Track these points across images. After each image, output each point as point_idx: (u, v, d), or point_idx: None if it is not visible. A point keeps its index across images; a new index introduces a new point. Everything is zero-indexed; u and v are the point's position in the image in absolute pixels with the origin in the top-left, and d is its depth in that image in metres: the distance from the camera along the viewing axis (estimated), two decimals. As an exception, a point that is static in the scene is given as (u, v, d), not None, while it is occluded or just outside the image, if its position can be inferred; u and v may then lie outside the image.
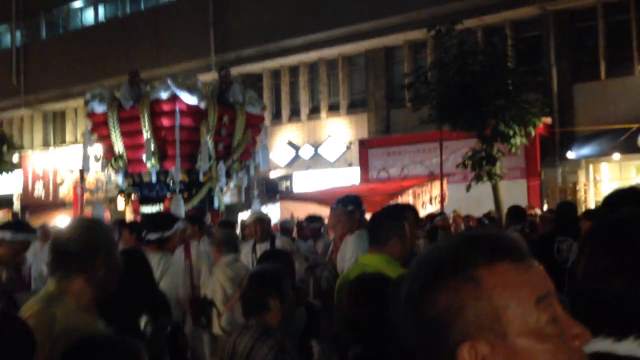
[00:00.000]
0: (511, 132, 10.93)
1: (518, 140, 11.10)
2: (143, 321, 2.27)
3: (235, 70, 16.02)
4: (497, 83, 10.96)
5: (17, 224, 4.16)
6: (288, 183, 20.47)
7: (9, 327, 1.57)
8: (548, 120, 14.93)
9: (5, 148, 20.29)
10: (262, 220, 6.36)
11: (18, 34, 26.96)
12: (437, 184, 13.18)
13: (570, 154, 15.24)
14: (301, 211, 13.66)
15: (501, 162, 11.64)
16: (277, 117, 20.68)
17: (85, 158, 10.75)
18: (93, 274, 2.07)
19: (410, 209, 4.49)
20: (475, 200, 12.88)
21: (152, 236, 4.29)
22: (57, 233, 2.19)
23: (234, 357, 2.62)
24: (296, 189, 19.23)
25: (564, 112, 15.87)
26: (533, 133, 11.47)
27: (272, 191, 19.78)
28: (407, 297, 0.88)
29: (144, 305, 2.58)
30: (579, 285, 1.39)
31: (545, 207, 14.82)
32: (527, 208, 10.09)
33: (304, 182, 19.36)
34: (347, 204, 4.37)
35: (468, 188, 11.72)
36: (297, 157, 20.12)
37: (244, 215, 12.91)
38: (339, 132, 19.57)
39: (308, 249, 7.79)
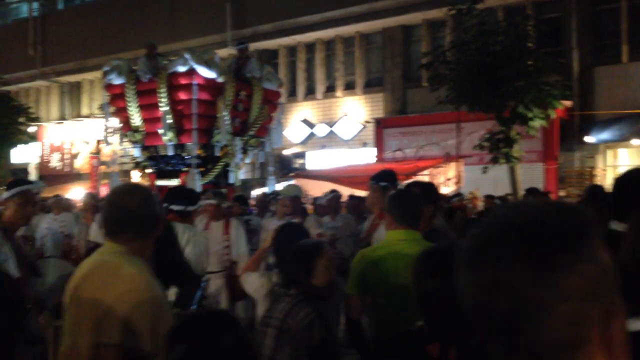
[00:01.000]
0: (530, 115, 10.79)
1: (537, 123, 10.97)
2: (173, 292, 2.28)
3: (251, 46, 15.90)
4: (518, 64, 10.79)
5: (12, 182, 4.16)
6: (302, 161, 20.45)
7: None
8: (568, 103, 14.74)
9: (22, 119, 20.35)
10: (295, 197, 6.42)
11: (35, 5, 26.94)
12: (453, 165, 13.11)
13: (589, 138, 15.05)
14: (315, 189, 13.67)
15: (519, 144, 11.52)
16: (292, 94, 20.59)
17: (105, 130, 10.78)
18: (153, 237, 2.26)
19: (417, 185, 4.48)
20: (491, 183, 12.80)
21: (176, 207, 4.44)
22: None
23: (270, 320, 2.69)
24: (310, 167, 19.22)
25: (584, 95, 15.65)
26: (553, 115, 11.31)
27: (286, 168, 19.79)
28: (528, 272, 0.80)
29: (172, 275, 2.60)
30: (622, 263, 1.36)
31: (562, 193, 14.70)
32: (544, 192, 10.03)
33: (318, 160, 19.33)
34: (379, 180, 4.33)
35: (484, 170, 11.64)
36: (311, 135, 20.06)
37: (258, 191, 12.92)
38: (355, 110, 19.45)
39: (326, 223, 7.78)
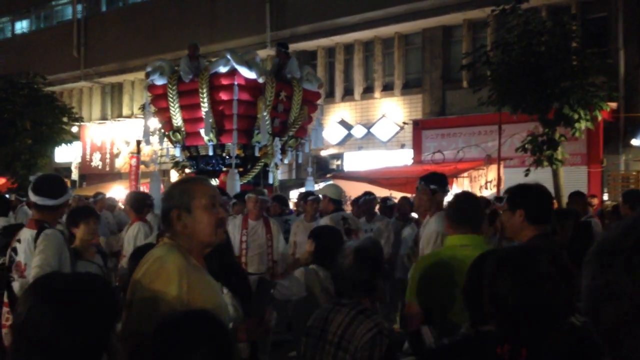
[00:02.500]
0: (576, 116, 10.53)
1: (583, 125, 10.69)
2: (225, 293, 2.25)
3: (289, 47, 15.96)
4: (563, 64, 10.54)
5: (55, 185, 3.91)
6: (339, 162, 20.41)
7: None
8: (613, 104, 14.35)
9: (65, 119, 20.82)
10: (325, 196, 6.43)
11: (79, 7, 27.57)
12: (493, 167, 12.87)
13: (635, 141, 14.63)
14: (353, 190, 13.60)
15: (563, 147, 11.27)
16: (330, 95, 20.56)
17: (146, 130, 10.93)
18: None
19: None
20: (531, 186, 12.50)
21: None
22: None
23: (326, 334, 2.49)
24: (347, 169, 19.16)
25: (630, 96, 15.21)
26: (599, 117, 11.02)
27: (323, 169, 19.77)
28: None
29: (222, 276, 2.56)
30: None
31: (606, 197, 14.32)
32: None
33: (355, 161, 19.25)
34: (429, 183, 4.24)
35: (527, 173, 11.40)
36: (349, 136, 19.99)
37: (296, 192, 12.94)
38: (393, 112, 19.32)
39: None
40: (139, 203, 6.15)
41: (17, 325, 1.49)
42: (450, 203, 3.20)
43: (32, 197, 3.86)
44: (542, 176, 11.66)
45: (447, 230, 3.16)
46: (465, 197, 3.26)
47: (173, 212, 2.19)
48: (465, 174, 12.85)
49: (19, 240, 3.86)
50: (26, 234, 3.86)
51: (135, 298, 2.09)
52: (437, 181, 4.27)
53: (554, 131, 11.02)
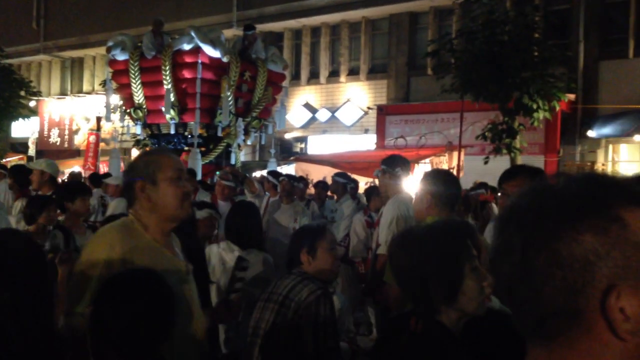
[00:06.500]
0: (535, 106, 10.75)
1: (541, 115, 10.93)
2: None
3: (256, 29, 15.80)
4: (524, 55, 10.73)
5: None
6: (302, 145, 20.41)
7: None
8: (571, 96, 14.68)
9: (22, 93, 20.22)
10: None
11: (40, -22, 26.73)
12: (455, 154, 13.06)
13: (591, 133, 15.00)
14: (316, 173, 13.65)
15: (521, 135, 11.50)
16: (295, 78, 20.48)
17: (107, 107, 10.73)
18: None
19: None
20: (490, 174, 12.69)
21: None
22: None
23: (272, 296, 2.68)
24: (311, 152, 19.18)
25: (588, 89, 15.57)
26: (557, 108, 11.28)
27: (286, 152, 19.75)
28: (530, 238, 0.81)
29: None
30: None
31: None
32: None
33: (319, 145, 19.28)
34: (389, 165, 4.13)
35: (485, 160, 11.62)
36: (313, 119, 19.99)
37: (257, 174, 12.90)
38: (358, 96, 19.38)
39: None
40: (23, 176, 5.64)
41: None
42: (434, 180, 3.00)
43: None
44: (500, 164, 11.90)
45: (427, 210, 2.97)
46: (448, 176, 3.12)
47: (137, 183, 2.13)
48: (427, 160, 13.01)
49: None
50: None
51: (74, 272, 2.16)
52: (388, 163, 4.23)
53: (513, 120, 11.24)
